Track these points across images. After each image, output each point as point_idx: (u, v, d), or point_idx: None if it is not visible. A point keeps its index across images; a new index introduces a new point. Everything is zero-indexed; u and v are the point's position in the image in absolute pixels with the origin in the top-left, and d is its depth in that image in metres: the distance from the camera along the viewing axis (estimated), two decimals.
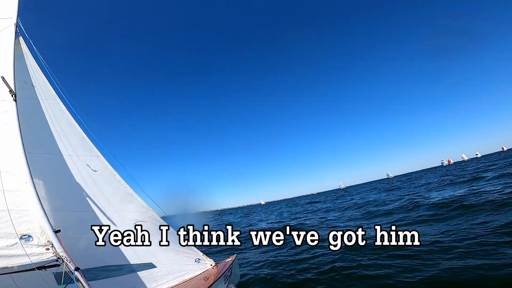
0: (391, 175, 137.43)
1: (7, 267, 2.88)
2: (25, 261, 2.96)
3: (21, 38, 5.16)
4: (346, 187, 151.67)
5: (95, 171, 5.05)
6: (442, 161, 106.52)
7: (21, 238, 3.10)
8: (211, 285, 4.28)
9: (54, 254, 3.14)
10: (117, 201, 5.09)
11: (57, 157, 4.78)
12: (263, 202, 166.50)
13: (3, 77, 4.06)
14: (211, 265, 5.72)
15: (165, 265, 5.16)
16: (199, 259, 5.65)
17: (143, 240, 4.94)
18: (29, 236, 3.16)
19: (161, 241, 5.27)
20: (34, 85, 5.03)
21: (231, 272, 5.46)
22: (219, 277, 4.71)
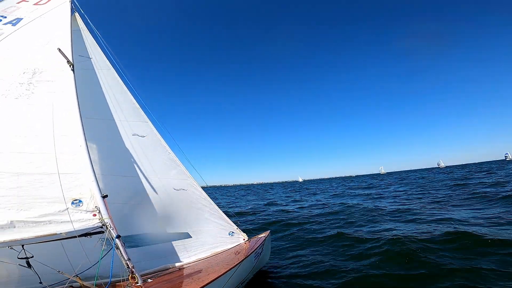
0: (443, 164, 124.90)
1: (56, 234, 3.08)
2: (73, 227, 3.15)
3: (77, 14, 5.49)
4: (386, 172, 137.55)
5: (143, 136, 5.27)
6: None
7: (72, 203, 3.33)
8: (241, 261, 4.12)
9: (100, 220, 3.28)
10: (161, 167, 5.26)
11: (110, 123, 5.14)
12: (300, 180, 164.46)
13: (59, 49, 4.35)
14: (244, 239, 5.62)
15: (200, 236, 5.23)
16: (233, 232, 5.60)
17: (181, 208, 5.03)
18: (80, 201, 3.37)
19: (199, 210, 5.32)
20: (91, 56, 5.40)
21: (262, 249, 5.25)
22: (250, 253, 4.53)
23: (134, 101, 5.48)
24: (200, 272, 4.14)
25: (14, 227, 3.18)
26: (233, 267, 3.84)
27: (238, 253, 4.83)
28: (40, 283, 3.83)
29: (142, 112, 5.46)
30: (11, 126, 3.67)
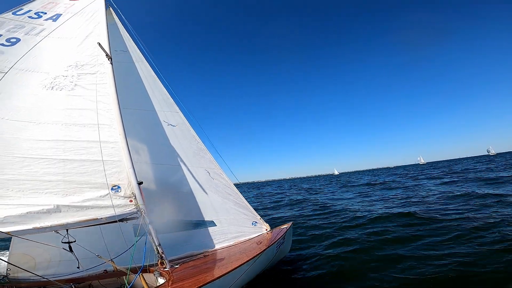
0: (493, 151, 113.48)
1: (97, 219, 3.22)
2: (112, 212, 3.27)
3: (111, 9, 5.67)
4: (426, 162, 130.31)
5: (175, 126, 5.43)
6: None
7: (112, 189, 3.46)
8: (262, 251, 4.13)
9: (136, 206, 3.37)
10: (191, 156, 5.39)
11: (145, 113, 5.32)
12: (336, 172, 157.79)
13: (99, 43, 4.50)
14: (266, 229, 5.65)
15: (224, 224, 5.30)
16: (256, 222, 5.64)
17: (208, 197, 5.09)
18: (118, 187, 3.50)
19: (225, 199, 5.40)
20: (126, 50, 5.57)
21: (284, 239, 5.23)
22: (272, 244, 4.54)
23: (166, 91, 5.64)
24: (224, 260, 4.22)
25: (60, 211, 3.32)
26: (255, 256, 3.89)
27: (261, 242, 4.87)
28: (78, 267, 3.97)
29: (173, 102, 5.62)
30: (57, 115, 3.86)
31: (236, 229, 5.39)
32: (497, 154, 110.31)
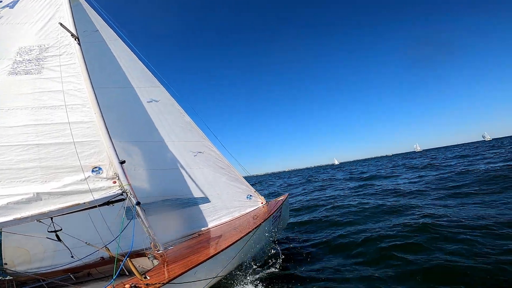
0: (489, 137, 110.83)
1: (79, 204, 3.05)
2: (95, 196, 3.10)
3: None
4: (422, 150, 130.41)
5: (157, 101, 5.17)
6: None
7: (92, 170, 3.28)
8: (259, 225, 4.05)
9: (120, 187, 3.20)
10: (177, 130, 5.16)
11: (124, 90, 5.04)
12: (337, 162, 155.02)
13: (61, 23, 4.21)
14: (261, 203, 5.52)
15: (218, 200, 5.15)
16: (250, 195, 5.49)
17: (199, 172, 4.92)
18: (100, 168, 3.32)
19: (217, 173, 5.23)
20: (96, 30, 5.24)
21: (280, 212, 5.14)
22: (268, 217, 4.44)
23: (144, 67, 5.34)
24: (219, 237, 4.13)
25: (41, 199, 3.15)
26: (251, 231, 3.82)
27: (256, 217, 4.77)
28: (72, 257, 3.89)
29: (154, 78, 5.33)
30: (26, 100, 3.63)
31: (231, 204, 5.26)
32: (493, 139, 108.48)
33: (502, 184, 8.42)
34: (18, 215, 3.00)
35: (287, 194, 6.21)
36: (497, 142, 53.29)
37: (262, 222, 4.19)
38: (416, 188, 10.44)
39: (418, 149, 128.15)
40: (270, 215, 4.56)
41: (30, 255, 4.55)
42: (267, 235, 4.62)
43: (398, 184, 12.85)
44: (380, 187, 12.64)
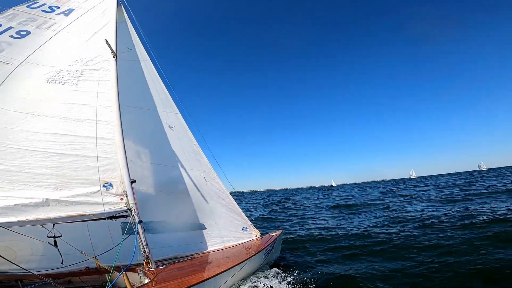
0: (484, 167, 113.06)
1: (85, 215, 3.17)
2: (101, 209, 3.22)
3: (122, 6, 5.77)
4: (418, 176, 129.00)
5: (172, 127, 5.43)
6: None
7: (103, 185, 3.42)
8: (251, 257, 4.13)
9: (126, 204, 3.32)
10: (187, 158, 5.36)
11: (145, 112, 5.33)
12: (334, 184, 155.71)
13: (106, 40, 4.55)
14: (256, 236, 5.62)
15: (214, 228, 5.25)
16: (246, 228, 5.60)
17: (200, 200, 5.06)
18: (110, 184, 3.46)
19: (217, 204, 5.36)
20: (131, 48, 5.63)
21: (273, 247, 5.24)
22: (260, 250, 4.53)
23: (167, 91, 5.65)
24: (211, 263, 4.16)
25: (48, 205, 3.26)
26: (243, 261, 3.87)
27: (249, 248, 4.83)
28: (62, 263, 3.88)
29: (173, 103, 5.63)
30: (57, 109, 3.85)
31: (226, 233, 5.35)
32: (489, 169, 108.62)
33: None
34: (23, 218, 3.10)
35: (281, 230, 6.26)
36: (492, 172, 52.57)
37: (255, 254, 4.27)
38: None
39: (414, 175, 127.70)
40: (263, 248, 4.65)
41: (16, 256, 4.49)
42: (257, 267, 4.67)
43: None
44: None
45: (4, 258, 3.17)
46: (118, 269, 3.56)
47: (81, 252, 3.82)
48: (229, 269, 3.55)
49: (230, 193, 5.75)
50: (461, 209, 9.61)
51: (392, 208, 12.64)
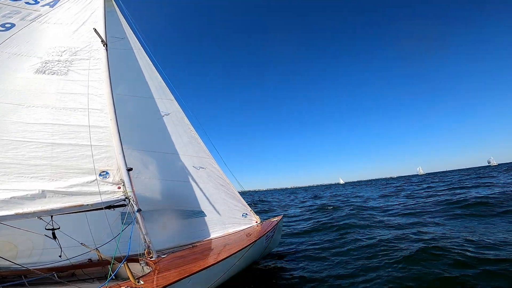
0: (494, 162, 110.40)
1: (82, 205, 3.11)
2: (98, 199, 3.16)
3: None
4: (426, 173, 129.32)
5: (168, 114, 5.37)
6: None
7: (100, 174, 3.35)
8: (252, 243, 4.09)
9: (124, 193, 3.27)
10: (184, 144, 5.31)
11: (140, 100, 5.25)
12: (342, 182, 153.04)
13: (95, 29, 4.43)
14: (256, 222, 5.61)
15: (214, 215, 5.23)
16: (246, 214, 5.59)
17: (199, 187, 5.02)
18: (107, 173, 3.39)
19: (216, 190, 5.34)
20: (123, 37, 5.52)
21: (274, 232, 5.23)
22: (261, 236, 4.50)
23: (161, 79, 5.57)
24: (212, 250, 4.15)
25: (45, 197, 3.20)
26: (243, 248, 3.84)
27: (250, 234, 4.81)
28: (60, 256, 3.87)
29: (168, 91, 5.55)
30: (48, 99, 3.77)
31: (227, 220, 5.34)
32: (499, 164, 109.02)
33: None
34: (20, 210, 3.04)
35: (282, 215, 6.27)
36: (501, 167, 52.45)
37: (257, 240, 4.25)
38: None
39: (421, 172, 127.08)
40: (264, 234, 4.64)
41: (17, 250, 4.47)
42: (258, 253, 4.69)
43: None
44: None
45: (3, 258, 3.15)
46: (120, 259, 3.55)
47: (82, 244, 3.79)
48: (230, 255, 3.53)
49: (240, 192, 5.73)
50: None
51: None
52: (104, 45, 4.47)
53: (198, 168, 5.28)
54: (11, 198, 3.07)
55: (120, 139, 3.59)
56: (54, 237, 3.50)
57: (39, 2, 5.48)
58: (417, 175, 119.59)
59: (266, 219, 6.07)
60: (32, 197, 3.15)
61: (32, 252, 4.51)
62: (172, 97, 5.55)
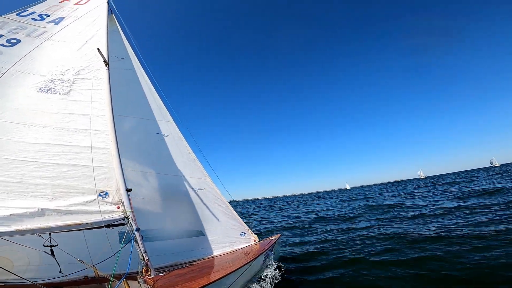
0: (496, 163, 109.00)
1: (81, 224, 3.20)
2: (98, 218, 3.26)
3: (113, 15, 5.80)
4: (427, 176, 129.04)
5: (167, 135, 5.52)
6: None
7: (99, 194, 3.45)
8: (250, 261, 4.16)
9: (123, 213, 3.38)
10: (182, 165, 5.45)
11: (139, 121, 5.40)
12: (348, 187, 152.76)
13: (98, 49, 4.58)
14: (254, 241, 5.70)
15: (213, 234, 5.33)
16: (244, 233, 5.69)
17: (197, 207, 5.14)
18: (106, 193, 3.49)
19: (214, 210, 5.44)
20: (125, 56, 5.66)
21: (272, 251, 5.33)
22: (259, 255, 4.58)
23: (160, 100, 5.74)
24: (210, 269, 4.20)
25: (44, 215, 3.29)
26: (242, 266, 3.90)
27: (249, 253, 4.89)
28: (60, 272, 3.91)
29: (167, 112, 5.72)
30: (50, 119, 3.88)
31: (225, 239, 5.42)
32: (501, 165, 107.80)
33: None
34: (19, 227, 3.12)
35: (279, 234, 6.37)
36: (504, 168, 51.98)
37: (255, 258, 4.32)
38: None
39: (422, 175, 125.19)
40: (263, 253, 4.72)
41: (13, 265, 4.49)
42: (257, 271, 4.73)
43: None
44: None
45: (1, 267, 3.20)
46: (118, 277, 3.60)
47: (79, 260, 3.85)
48: (229, 274, 3.57)
49: (229, 202, 5.84)
50: None
51: None
52: (106, 65, 4.61)
53: (197, 189, 5.41)
54: (10, 215, 3.16)
55: (120, 161, 3.70)
56: (52, 253, 3.57)
57: (45, 18, 5.65)
58: (418, 178, 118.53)
59: (264, 238, 6.18)
60: (32, 215, 3.25)
61: (28, 268, 4.53)
62: (171, 119, 5.71)
